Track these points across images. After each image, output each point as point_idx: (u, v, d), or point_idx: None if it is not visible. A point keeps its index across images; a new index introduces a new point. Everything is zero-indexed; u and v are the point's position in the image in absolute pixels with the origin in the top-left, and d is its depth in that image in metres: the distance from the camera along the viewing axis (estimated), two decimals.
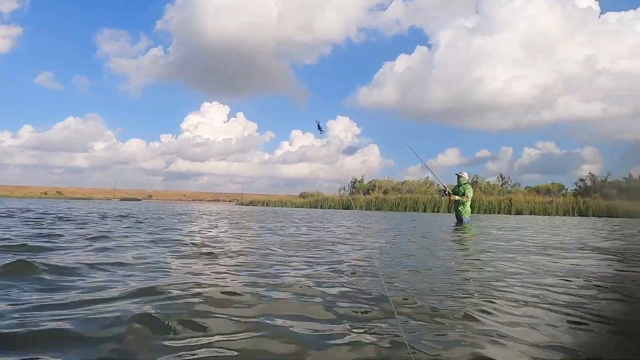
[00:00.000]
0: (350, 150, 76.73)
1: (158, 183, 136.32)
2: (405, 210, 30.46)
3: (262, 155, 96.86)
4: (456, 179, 10.42)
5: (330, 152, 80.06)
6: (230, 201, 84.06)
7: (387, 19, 74.28)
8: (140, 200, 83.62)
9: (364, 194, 38.02)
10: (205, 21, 69.22)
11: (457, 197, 10.05)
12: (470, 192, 10.08)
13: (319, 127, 4.36)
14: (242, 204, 48.22)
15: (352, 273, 2.61)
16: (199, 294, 1.87)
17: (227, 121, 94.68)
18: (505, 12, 57.95)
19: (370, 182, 42.19)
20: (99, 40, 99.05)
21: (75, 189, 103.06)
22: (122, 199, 78.76)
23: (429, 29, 78.29)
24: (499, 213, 27.50)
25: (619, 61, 56.05)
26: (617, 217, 24.60)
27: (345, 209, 34.01)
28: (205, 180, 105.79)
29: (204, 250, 3.64)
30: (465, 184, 10.16)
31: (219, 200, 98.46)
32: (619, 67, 55.72)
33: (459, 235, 6.66)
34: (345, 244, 4.55)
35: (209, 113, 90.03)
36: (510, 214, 27.24)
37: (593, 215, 25.66)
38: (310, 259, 3.25)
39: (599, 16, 59.14)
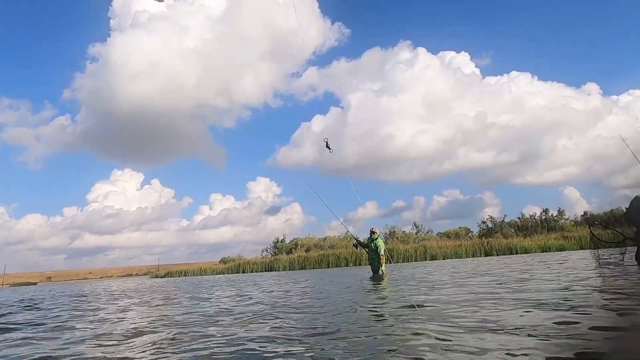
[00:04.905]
0: (273, 211, 76.17)
1: (60, 262, 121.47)
2: (328, 267, 30.32)
3: (180, 222, 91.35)
4: (369, 234, 10.85)
5: (253, 214, 78.73)
6: (144, 274, 77.19)
7: (302, 85, 78.58)
8: (35, 284, 73.33)
9: (286, 254, 37.38)
10: (117, 88, 66.99)
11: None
12: (382, 249, 10.49)
13: (327, 145, 4.15)
14: (156, 277, 44.41)
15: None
16: None
17: (141, 189, 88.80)
18: (407, 77, 65.25)
19: (292, 240, 41.79)
20: None
21: None
22: (14, 285, 68.31)
23: (340, 93, 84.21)
24: (415, 260, 28.58)
25: (502, 115, 65.42)
26: (517, 254, 27.02)
27: (268, 270, 32.95)
28: (117, 254, 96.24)
29: None
30: (377, 238, 10.61)
31: (132, 275, 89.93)
32: (503, 120, 64.75)
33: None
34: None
35: (120, 181, 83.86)
36: (426, 259, 28.47)
37: (497, 254, 27.84)
38: None
39: (481, 80, 69.03)
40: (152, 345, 2.98)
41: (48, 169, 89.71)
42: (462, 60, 66.00)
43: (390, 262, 11.84)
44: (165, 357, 2.61)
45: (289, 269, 31.85)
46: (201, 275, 37.08)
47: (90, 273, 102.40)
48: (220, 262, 44.34)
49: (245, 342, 2.85)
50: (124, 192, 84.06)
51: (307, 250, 36.65)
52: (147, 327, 3.96)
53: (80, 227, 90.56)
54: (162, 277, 42.88)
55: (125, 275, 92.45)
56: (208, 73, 71.29)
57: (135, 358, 2.65)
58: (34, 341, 3.52)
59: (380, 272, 10.36)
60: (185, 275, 39.51)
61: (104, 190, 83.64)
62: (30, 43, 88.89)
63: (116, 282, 37.07)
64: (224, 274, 35.65)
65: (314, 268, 30.60)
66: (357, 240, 11.18)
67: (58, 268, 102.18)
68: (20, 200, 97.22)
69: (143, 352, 2.81)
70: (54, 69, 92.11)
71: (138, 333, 3.60)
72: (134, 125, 79.19)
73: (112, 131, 79.92)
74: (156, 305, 6.51)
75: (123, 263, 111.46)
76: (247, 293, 7.98)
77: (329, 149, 3.74)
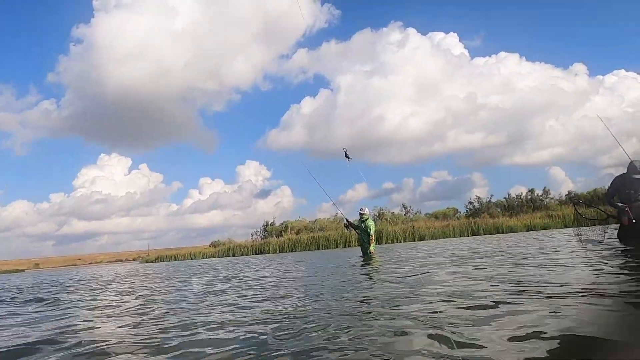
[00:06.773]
0: (263, 194, 75.78)
1: (48, 249, 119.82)
2: (318, 249, 30.56)
3: (170, 206, 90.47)
4: (359, 215, 10.87)
5: (243, 198, 78.39)
6: (134, 259, 76.98)
7: (292, 67, 76.98)
8: (23, 271, 72.68)
9: (276, 237, 37.55)
10: (103, 71, 64.93)
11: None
12: (372, 229, 10.51)
13: (346, 155, 4.10)
14: (146, 262, 44.34)
15: None
16: None
17: (129, 174, 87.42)
18: (397, 58, 64.21)
19: (282, 223, 41.93)
20: None
21: None
22: (0, 273, 67.60)
23: (330, 75, 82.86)
24: (404, 241, 28.90)
25: (491, 96, 65.03)
26: (503, 233, 27.53)
27: (258, 253, 33.10)
28: (106, 240, 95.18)
29: None
30: (367, 219, 10.63)
31: (122, 260, 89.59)
32: (492, 101, 64.37)
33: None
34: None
35: (108, 166, 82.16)
36: (414, 240, 28.83)
37: (484, 234, 28.32)
38: None
39: (470, 61, 68.39)
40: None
41: (34, 155, 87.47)
42: (451, 42, 65.45)
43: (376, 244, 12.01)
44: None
45: (279, 252, 32.05)
46: (191, 259, 37.12)
47: (80, 259, 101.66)
48: (210, 246, 44.40)
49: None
50: (112, 177, 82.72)
51: (297, 233, 36.84)
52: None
53: (68, 213, 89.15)
54: (152, 261, 42.83)
55: (115, 261, 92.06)
56: (197, 55, 69.45)
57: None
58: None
59: (369, 252, 10.45)
60: (176, 260, 39.52)
61: (90, 176, 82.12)
62: (12, 24, 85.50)
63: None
64: (214, 257, 35.73)
65: (304, 250, 30.83)
66: (347, 221, 11.20)
67: (47, 254, 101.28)
68: (6, 187, 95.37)
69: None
70: (37, 52, 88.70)
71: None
72: (121, 109, 77.45)
73: (99, 115, 77.95)
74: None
75: (112, 249, 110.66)
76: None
77: (348, 157, 3.72)
